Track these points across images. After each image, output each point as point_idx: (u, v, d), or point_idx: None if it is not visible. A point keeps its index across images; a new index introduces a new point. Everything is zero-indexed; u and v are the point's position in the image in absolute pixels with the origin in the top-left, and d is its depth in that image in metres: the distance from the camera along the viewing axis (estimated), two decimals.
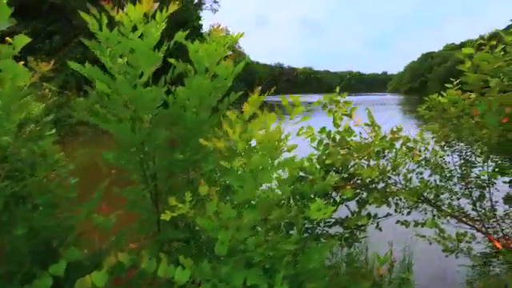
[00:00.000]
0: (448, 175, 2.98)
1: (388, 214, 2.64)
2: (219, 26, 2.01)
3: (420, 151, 2.47)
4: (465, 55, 2.42)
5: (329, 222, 2.50)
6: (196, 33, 30.39)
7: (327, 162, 2.28)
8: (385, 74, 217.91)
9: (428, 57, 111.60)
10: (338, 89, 2.87)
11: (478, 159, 2.81)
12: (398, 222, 2.83)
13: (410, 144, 2.62)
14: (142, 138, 1.92)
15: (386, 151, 2.50)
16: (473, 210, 2.79)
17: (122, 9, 1.71)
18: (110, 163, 1.99)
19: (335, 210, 2.60)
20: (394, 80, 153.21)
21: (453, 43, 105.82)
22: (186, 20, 25.75)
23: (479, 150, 2.70)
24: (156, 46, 1.92)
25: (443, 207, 2.77)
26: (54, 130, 1.78)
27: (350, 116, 2.78)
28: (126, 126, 1.83)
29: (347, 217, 2.55)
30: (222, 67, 2.07)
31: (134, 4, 1.83)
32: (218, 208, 1.50)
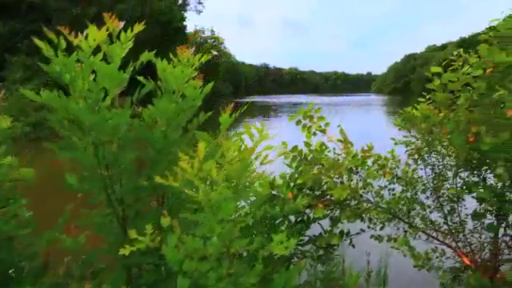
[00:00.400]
0: (422, 188, 3.02)
1: (361, 230, 2.65)
2: (185, 48, 1.96)
3: (391, 169, 2.49)
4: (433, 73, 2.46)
5: (302, 240, 2.49)
6: (180, 34, 30.15)
7: (298, 181, 2.27)
8: (369, 74, 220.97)
9: (411, 58, 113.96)
10: (312, 104, 2.87)
11: (449, 173, 2.86)
12: (372, 236, 2.85)
13: (385, 161, 2.65)
14: (107, 162, 1.87)
15: (359, 168, 2.51)
16: (444, 223, 2.84)
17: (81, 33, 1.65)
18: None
19: (308, 228, 2.60)
20: (378, 80, 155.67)
21: (434, 45, 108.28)
22: (170, 21, 25.47)
23: (449, 165, 2.75)
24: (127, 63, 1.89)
25: (415, 222, 2.81)
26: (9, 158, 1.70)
27: (323, 132, 2.79)
28: (88, 152, 1.77)
29: (320, 234, 2.55)
30: (190, 88, 2.03)
31: (99, 24, 1.78)
32: (180, 240, 1.47)
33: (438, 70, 2.43)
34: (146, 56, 2.02)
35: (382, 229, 2.74)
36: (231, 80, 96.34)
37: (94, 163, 1.83)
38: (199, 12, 31.29)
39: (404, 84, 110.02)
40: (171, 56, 2.02)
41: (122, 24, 2.02)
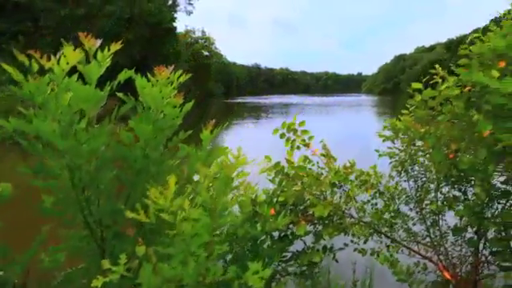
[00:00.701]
0: (405, 200, 3.05)
1: (345, 245, 2.66)
2: (164, 69, 1.93)
3: (373, 185, 2.50)
4: (414, 89, 2.47)
5: (285, 256, 2.49)
6: (170, 35, 29.94)
7: (280, 199, 2.26)
8: (360, 74, 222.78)
9: (400, 59, 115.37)
10: (295, 117, 2.86)
11: (432, 185, 2.88)
12: (355, 249, 2.86)
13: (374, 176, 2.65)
14: (83, 185, 1.83)
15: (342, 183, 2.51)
16: (427, 235, 2.86)
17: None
18: None
19: (292, 244, 2.59)
20: (369, 81, 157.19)
21: (423, 46, 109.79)
22: (160, 22, 25.27)
23: (432, 178, 2.77)
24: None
25: (398, 235, 2.82)
26: None
27: (307, 146, 2.78)
28: (63, 175, 1.73)
29: (304, 249, 2.55)
30: (170, 107, 2.00)
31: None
32: (156, 268, 1.45)
33: (419, 86, 2.45)
34: (124, 75, 1.98)
35: (365, 242, 2.75)
36: (223, 80, 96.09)
37: (69, 186, 1.79)
38: (189, 13, 31.17)
39: (394, 85, 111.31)
40: (149, 76, 1.99)
41: (99, 42, 1.99)
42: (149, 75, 2.01)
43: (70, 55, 1.71)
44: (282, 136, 2.86)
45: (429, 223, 2.89)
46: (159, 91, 1.92)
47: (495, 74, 1.58)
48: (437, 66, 2.83)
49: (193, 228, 1.27)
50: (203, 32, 65.74)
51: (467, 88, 2.07)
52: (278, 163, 2.47)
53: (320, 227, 2.56)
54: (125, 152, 1.99)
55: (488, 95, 1.64)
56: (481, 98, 1.98)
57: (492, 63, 1.72)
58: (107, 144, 1.91)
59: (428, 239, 2.89)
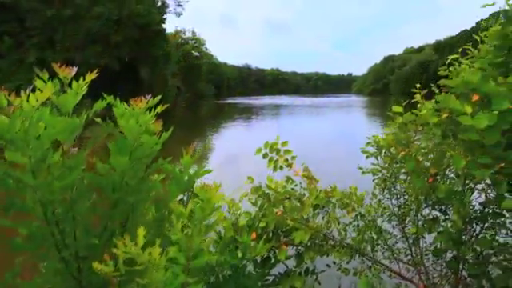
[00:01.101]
0: (388, 217, 3.07)
1: (327, 266, 2.67)
2: (140, 100, 1.90)
3: (353, 208, 2.51)
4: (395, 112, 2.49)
5: (267, 280, 2.48)
6: (159, 36, 29.69)
7: (261, 224, 2.25)
8: (350, 75, 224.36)
9: (389, 60, 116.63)
10: (278, 137, 2.86)
11: (413, 204, 2.91)
12: (339, 269, 2.87)
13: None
14: (57, 219, 1.79)
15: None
16: (408, 254, 2.89)
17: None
18: None
19: (274, 266, 2.59)
20: (359, 81, 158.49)
21: (412, 47, 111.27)
22: (149, 24, 25.05)
23: (412, 198, 2.80)
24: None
25: (380, 255, 2.84)
26: None
27: (289, 166, 2.78)
28: (36, 211, 1.69)
29: (286, 272, 2.54)
30: (148, 136, 1.97)
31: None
32: None
33: (399, 109, 2.47)
34: (100, 105, 1.95)
35: (348, 263, 2.76)
36: (213, 81, 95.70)
37: (42, 221, 1.75)
38: (179, 15, 30.91)
39: (383, 85, 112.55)
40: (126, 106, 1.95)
41: (74, 70, 1.96)
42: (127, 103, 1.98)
43: (38, 95, 1.68)
44: (264, 156, 2.86)
45: (411, 241, 2.91)
46: (136, 121, 1.89)
47: (468, 109, 1.60)
48: (418, 85, 2.86)
49: (165, 275, 1.25)
50: (193, 32, 65.43)
51: (445, 115, 2.09)
52: (258, 187, 2.46)
53: (302, 249, 2.56)
54: (101, 182, 1.96)
55: (462, 131, 1.66)
56: (457, 125, 2.00)
57: (466, 97, 1.73)
58: (82, 177, 1.87)
59: (410, 257, 2.92)
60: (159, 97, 2.24)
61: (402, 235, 2.98)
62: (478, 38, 2.48)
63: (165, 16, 29.89)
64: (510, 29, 1.78)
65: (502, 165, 1.55)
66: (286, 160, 2.80)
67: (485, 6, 2.31)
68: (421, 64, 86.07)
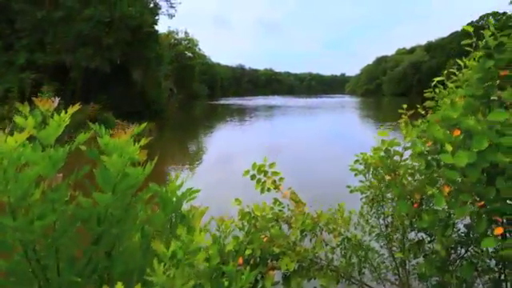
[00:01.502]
0: (376, 236, 3.09)
1: None
2: (124, 131, 1.89)
3: (340, 233, 2.52)
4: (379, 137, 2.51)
5: None
6: (152, 38, 29.49)
7: (247, 252, 2.25)
8: (343, 75, 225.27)
9: (382, 60, 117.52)
10: (265, 159, 2.86)
11: (400, 225, 2.93)
12: None
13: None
14: (38, 257, 1.77)
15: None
16: (395, 273, 2.91)
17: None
18: None
19: None
20: (352, 82, 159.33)
21: (404, 48, 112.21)
22: (141, 25, 24.86)
23: (399, 220, 2.82)
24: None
25: (370, 271, 2.86)
26: None
27: (277, 188, 2.79)
28: (16, 249, 1.67)
29: None
30: (132, 168, 1.96)
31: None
32: None
33: (385, 133, 2.49)
34: (83, 137, 1.93)
35: (337, 284, 2.77)
36: (207, 81, 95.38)
37: (23, 258, 1.72)
38: (171, 16, 30.70)
39: (376, 86, 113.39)
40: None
41: (57, 101, 1.94)
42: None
43: (23, 124, 1.66)
44: (252, 178, 2.86)
45: (398, 261, 2.94)
46: (120, 155, 1.87)
47: (448, 148, 1.62)
48: (404, 105, 2.89)
49: None
50: (186, 33, 65.11)
51: (428, 144, 2.11)
52: (246, 213, 2.46)
53: (289, 272, 2.56)
54: (85, 214, 1.94)
55: (443, 168, 1.68)
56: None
57: (447, 131, 1.75)
58: (65, 209, 1.85)
59: (397, 277, 2.94)
60: (144, 124, 2.23)
61: (390, 255, 3.00)
62: (461, 64, 2.51)
63: (157, 18, 29.72)
64: (489, 63, 1.80)
65: (482, 203, 1.57)
66: (274, 182, 2.81)
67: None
68: (413, 65, 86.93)
